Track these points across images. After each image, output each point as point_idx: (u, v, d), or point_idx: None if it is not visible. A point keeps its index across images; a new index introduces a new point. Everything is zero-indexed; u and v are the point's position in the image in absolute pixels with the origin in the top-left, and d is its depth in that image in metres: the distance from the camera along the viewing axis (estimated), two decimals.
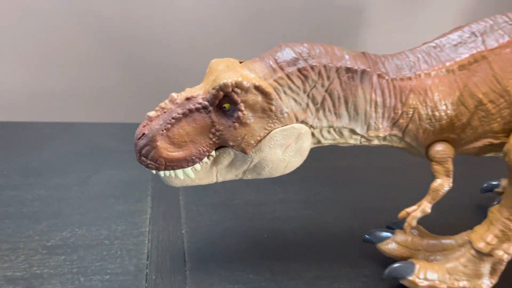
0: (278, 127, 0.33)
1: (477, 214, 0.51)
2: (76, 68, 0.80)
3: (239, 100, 0.32)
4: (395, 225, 0.43)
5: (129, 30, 0.81)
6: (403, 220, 0.43)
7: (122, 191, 0.51)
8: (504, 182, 0.54)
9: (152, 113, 0.33)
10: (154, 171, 0.33)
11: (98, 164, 0.57)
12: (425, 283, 0.37)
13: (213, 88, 0.32)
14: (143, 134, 0.33)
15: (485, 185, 0.56)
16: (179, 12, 0.81)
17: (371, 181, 0.58)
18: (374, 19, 0.91)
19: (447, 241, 0.40)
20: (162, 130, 0.33)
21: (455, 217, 0.50)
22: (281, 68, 0.33)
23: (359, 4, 0.88)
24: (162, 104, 0.33)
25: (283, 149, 0.34)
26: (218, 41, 0.86)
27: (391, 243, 0.40)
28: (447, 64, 0.35)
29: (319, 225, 0.47)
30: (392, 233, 0.41)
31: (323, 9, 0.88)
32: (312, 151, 0.37)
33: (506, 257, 0.37)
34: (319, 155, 0.59)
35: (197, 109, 0.33)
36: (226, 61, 0.34)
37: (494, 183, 0.55)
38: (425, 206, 0.37)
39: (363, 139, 0.36)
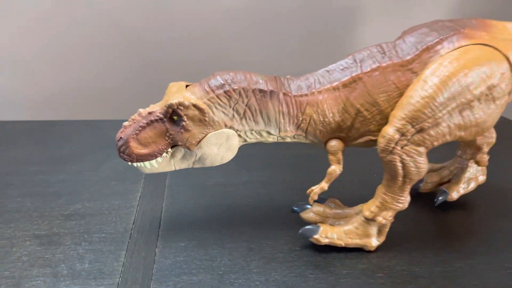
0: (211, 132, 0.48)
1: None
2: (94, 73, 0.97)
3: (182, 114, 0.47)
4: (321, 200, 0.58)
5: (141, 36, 0.97)
6: (324, 196, 0.58)
7: (123, 175, 0.67)
8: (429, 165, 0.67)
9: (126, 123, 0.49)
10: (129, 163, 0.49)
11: (107, 154, 0.73)
12: (326, 240, 0.52)
13: (165, 106, 0.47)
14: (121, 137, 0.48)
15: None
16: (190, 17, 0.96)
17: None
18: (369, 17, 1.03)
19: (349, 210, 0.54)
20: (133, 135, 0.48)
21: None
22: (213, 91, 0.48)
23: (355, 4, 1.00)
24: (133, 117, 0.49)
25: (218, 147, 0.49)
26: (223, 40, 1.01)
27: (309, 213, 0.55)
28: (334, 84, 0.49)
29: (268, 201, 0.62)
30: (311, 205, 0.55)
31: (320, 9, 1.01)
32: None
33: (385, 222, 0.51)
34: (292, 144, 0.72)
35: (156, 120, 0.48)
36: (178, 85, 0.49)
37: None
38: (323, 185, 0.51)
39: (278, 138, 0.51)
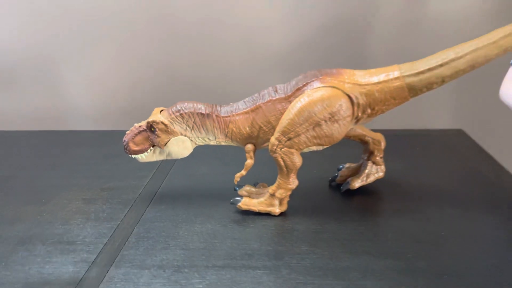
0: (173, 137, 0.81)
1: (325, 182, 0.93)
2: (145, 94, 1.36)
3: (155, 127, 0.81)
4: (256, 184, 0.89)
5: (187, 69, 1.34)
6: (258, 182, 0.88)
7: (145, 165, 1.03)
8: (347, 164, 0.95)
9: (128, 131, 0.84)
10: (129, 155, 0.84)
11: None
12: (246, 206, 0.82)
13: (146, 122, 0.81)
14: (124, 140, 0.83)
15: (340, 166, 0.96)
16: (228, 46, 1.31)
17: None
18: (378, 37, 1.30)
19: (265, 189, 0.85)
20: (131, 138, 0.83)
21: (317, 184, 0.92)
22: (173, 113, 0.81)
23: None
24: (131, 128, 0.84)
25: (177, 147, 0.82)
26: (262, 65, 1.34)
27: (243, 190, 0.86)
28: (246, 109, 0.79)
29: (231, 185, 0.93)
30: (240, 185, 0.86)
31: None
32: None
33: (280, 196, 0.80)
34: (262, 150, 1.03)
35: (143, 130, 0.82)
36: (157, 109, 0.83)
37: (345, 165, 0.96)
38: (242, 172, 0.81)
39: (216, 142, 0.83)
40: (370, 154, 0.87)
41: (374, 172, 0.88)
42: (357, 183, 0.88)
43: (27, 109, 1.44)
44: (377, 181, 0.90)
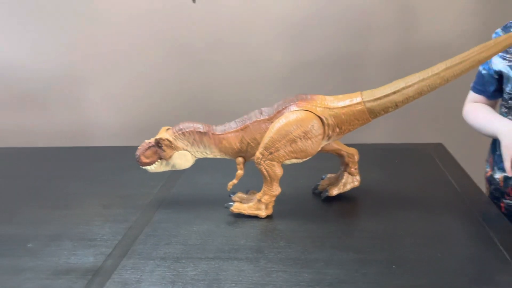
0: (176, 152, 0.97)
1: (309, 190, 1.08)
2: (160, 112, 1.53)
3: (161, 143, 0.97)
4: (246, 191, 1.04)
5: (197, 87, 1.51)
6: (249, 189, 1.04)
7: (157, 176, 1.19)
8: (328, 175, 1.10)
9: (139, 147, 1.00)
10: (141, 166, 1.00)
11: None
12: (237, 210, 0.97)
13: (154, 139, 0.98)
14: (137, 154, 1.00)
15: (323, 176, 1.11)
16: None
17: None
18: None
19: (254, 196, 1.00)
20: (142, 153, 0.99)
21: (302, 192, 1.07)
22: (176, 132, 0.96)
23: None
24: (142, 144, 1.00)
25: (179, 159, 0.98)
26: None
27: (236, 197, 1.01)
28: (237, 128, 0.95)
29: (223, 189, 1.09)
30: (232, 192, 1.02)
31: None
32: None
33: (265, 201, 0.95)
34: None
35: (152, 146, 0.98)
36: (164, 128, 1.00)
37: (327, 175, 1.10)
38: (234, 181, 0.97)
39: (213, 155, 0.98)
40: (346, 166, 1.02)
41: (350, 181, 1.03)
42: (334, 191, 1.02)
43: (55, 128, 1.63)
44: (355, 189, 1.03)
